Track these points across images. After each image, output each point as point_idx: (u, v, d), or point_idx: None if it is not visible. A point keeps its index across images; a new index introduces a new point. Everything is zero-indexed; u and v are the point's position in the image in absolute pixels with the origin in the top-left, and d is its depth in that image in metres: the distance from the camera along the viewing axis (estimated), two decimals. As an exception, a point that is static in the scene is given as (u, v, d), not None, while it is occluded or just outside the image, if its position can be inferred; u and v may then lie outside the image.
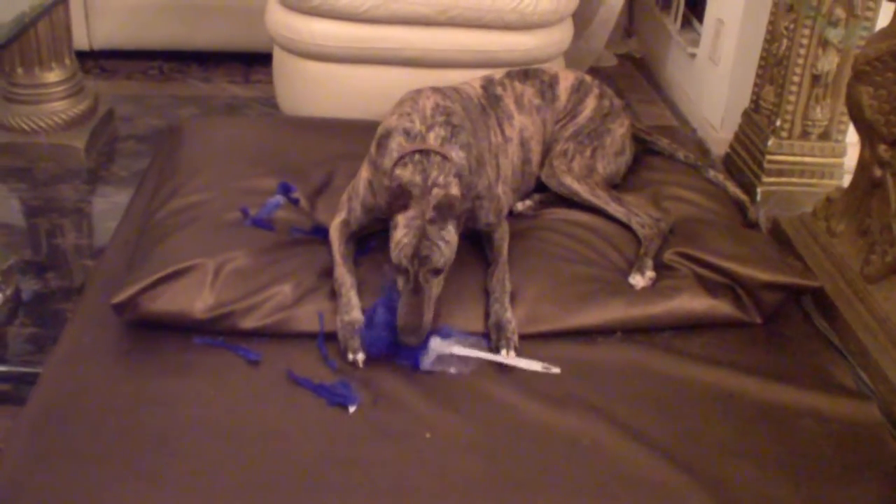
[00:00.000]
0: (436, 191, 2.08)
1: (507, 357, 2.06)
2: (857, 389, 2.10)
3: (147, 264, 2.15)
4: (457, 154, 2.17)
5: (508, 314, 2.13)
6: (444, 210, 2.05)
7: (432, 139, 2.18)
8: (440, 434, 1.86)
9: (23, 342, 2.46)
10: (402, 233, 2.04)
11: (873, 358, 2.17)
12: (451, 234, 2.07)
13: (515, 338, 2.09)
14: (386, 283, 2.13)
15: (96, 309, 2.18)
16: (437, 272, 2.06)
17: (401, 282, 2.06)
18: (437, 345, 2.03)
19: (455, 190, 2.10)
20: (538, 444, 1.86)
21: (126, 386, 1.97)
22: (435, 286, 2.07)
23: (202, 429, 1.86)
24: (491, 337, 2.10)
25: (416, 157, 2.13)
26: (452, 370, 2.03)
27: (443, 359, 2.03)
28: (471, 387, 1.99)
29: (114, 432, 1.84)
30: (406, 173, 2.12)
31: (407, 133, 2.20)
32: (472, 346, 2.06)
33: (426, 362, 2.02)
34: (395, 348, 2.04)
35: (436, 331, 2.05)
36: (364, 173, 2.32)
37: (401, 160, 2.14)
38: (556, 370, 2.05)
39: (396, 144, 2.19)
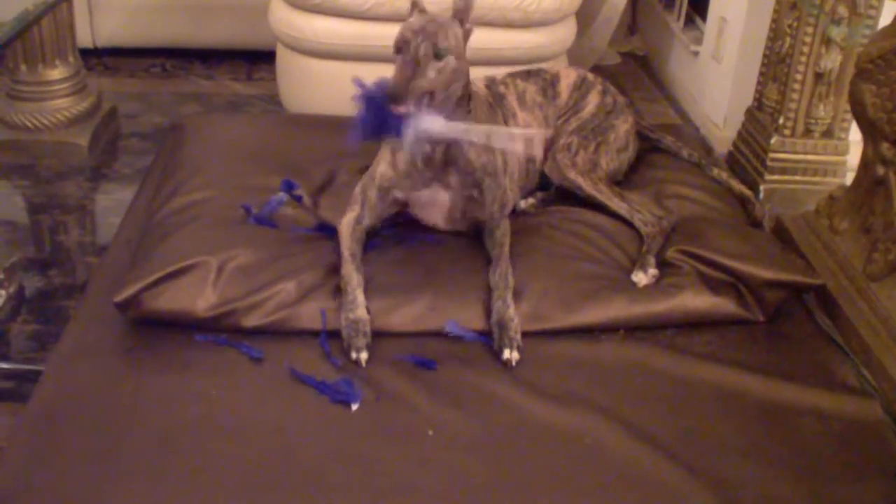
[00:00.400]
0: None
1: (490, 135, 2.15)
2: (859, 388, 2.10)
3: (150, 262, 2.15)
4: None
5: (511, 311, 2.12)
6: (461, 9, 2.15)
7: None
8: (442, 432, 1.86)
9: (25, 339, 2.46)
10: (411, 16, 2.15)
11: (876, 356, 2.17)
12: (459, 33, 2.16)
13: (518, 337, 2.08)
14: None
15: (99, 306, 2.18)
16: (438, 55, 2.09)
17: (398, 59, 2.09)
18: (424, 119, 2.05)
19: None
20: (540, 443, 1.86)
21: (128, 383, 1.97)
22: (431, 70, 2.08)
23: (204, 426, 1.86)
24: (493, 335, 2.09)
25: None
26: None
27: (424, 133, 2.05)
28: (473, 385, 1.99)
29: (116, 430, 1.84)
30: None
31: None
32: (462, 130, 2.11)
33: (409, 135, 2.03)
34: (385, 124, 2.04)
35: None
36: (383, 153, 2.34)
37: None
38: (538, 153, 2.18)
39: None
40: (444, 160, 2.25)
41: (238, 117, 3.69)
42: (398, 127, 2.02)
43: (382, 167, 2.31)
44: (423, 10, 2.21)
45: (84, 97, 3.52)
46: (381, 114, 2.02)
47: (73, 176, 3.30)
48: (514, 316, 2.12)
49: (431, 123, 2.06)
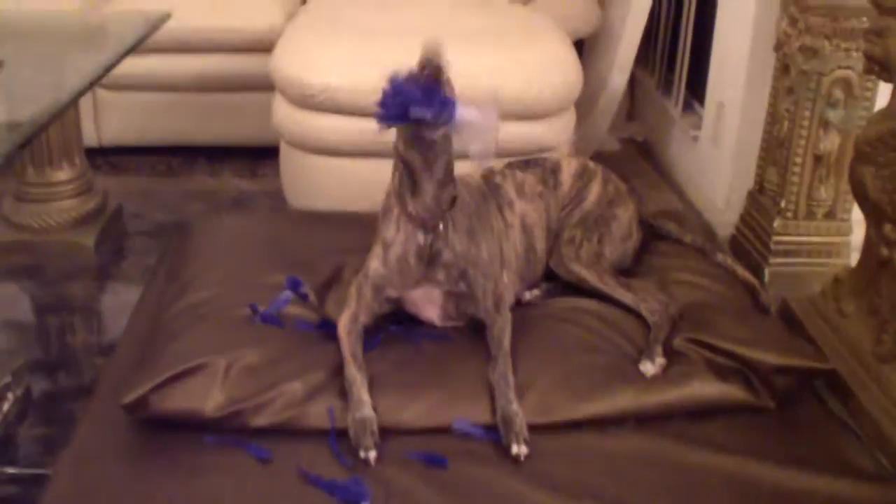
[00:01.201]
0: None
1: None
2: (875, 472, 2.07)
3: (157, 363, 2.15)
4: None
5: (514, 406, 2.10)
6: None
7: None
8: (454, 530, 1.84)
9: (32, 443, 2.45)
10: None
11: (890, 439, 2.15)
12: None
13: (524, 431, 2.06)
14: None
15: (106, 408, 2.17)
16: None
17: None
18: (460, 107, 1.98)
19: None
20: (554, 537, 1.84)
21: (137, 487, 1.95)
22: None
23: (214, 530, 1.84)
24: (500, 431, 2.08)
25: None
26: (472, 147, 2.00)
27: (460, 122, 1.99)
28: (484, 481, 1.96)
29: (125, 536, 1.82)
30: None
31: None
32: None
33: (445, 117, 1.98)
34: (412, 102, 1.98)
35: None
36: (375, 250, 2.33)
37: None
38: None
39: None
40: (430, 255, 2.24)
41: (243, 215, 3.72)
42: (426, 101, 1.97)
43: (374, 263, 2.31)
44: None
45: (90, 197, 3.55)
46: (410, 91, 1.98)
47: (80, 276, 3.31)
48: (518, 411, 2.10)
49: (467, 109, 1.99)
